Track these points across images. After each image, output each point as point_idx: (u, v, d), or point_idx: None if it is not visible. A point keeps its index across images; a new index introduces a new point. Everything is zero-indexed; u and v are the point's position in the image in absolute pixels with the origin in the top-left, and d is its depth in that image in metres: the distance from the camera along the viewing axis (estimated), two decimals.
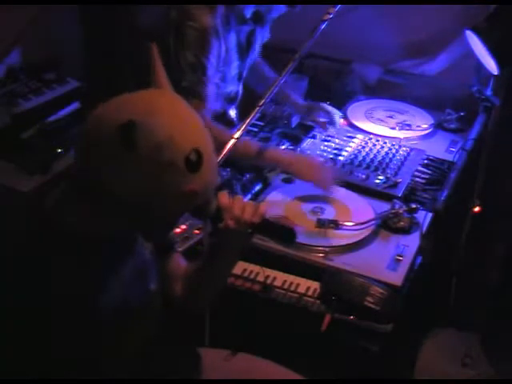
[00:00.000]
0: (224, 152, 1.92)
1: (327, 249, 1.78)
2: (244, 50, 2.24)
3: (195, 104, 1.99)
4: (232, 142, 1.85)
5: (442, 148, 2.38)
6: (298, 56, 2.02)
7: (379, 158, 2.25)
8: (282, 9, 2.13)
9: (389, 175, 2.12)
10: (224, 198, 1.39)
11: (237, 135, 1.87)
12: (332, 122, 2.40)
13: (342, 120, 2.51)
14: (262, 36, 2.30)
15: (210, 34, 2.04)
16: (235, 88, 2.31)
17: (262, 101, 1.93)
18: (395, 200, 1.95)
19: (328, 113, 2.40)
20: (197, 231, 1.82)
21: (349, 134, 2.41)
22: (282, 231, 1.45)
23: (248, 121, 1.90)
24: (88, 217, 1.22)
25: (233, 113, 2.38)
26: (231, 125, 2.31)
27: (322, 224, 1.85)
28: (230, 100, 2.33)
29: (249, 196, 2.03)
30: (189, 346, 1.69)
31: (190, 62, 2.05)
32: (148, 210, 1.20)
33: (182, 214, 1.30)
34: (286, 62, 2.04)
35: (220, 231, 1.40)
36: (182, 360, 1.64)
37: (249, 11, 2.13)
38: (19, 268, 1.22)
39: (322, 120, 2.41)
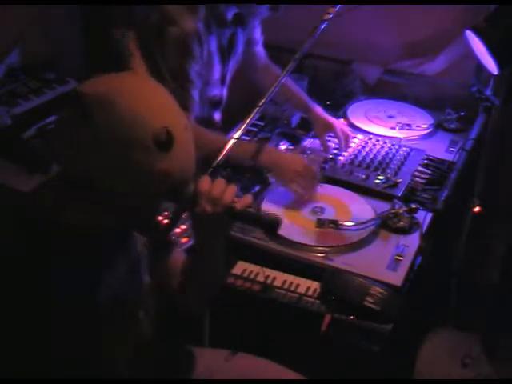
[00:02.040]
0: (224, 152, 1.93)
1: (327, 249, 1.78)
2: (226, 53, 2.21)
3: None
4: (232, 142, 1.85)
5: (442, 148, 2.38)
6: (298, 56, 2.02)
7: (379, 157, 2.25)
8: (264, 13, 2.10)
9: (389, 175, 2.12)
10: (204, 181, 1.32)
11: (237, 135, 1.87)
12: (342, 147, 2.28)
13: (342, 120, 2.51)
14: (244, 37, 2.28)
15: (193, 39, 2.02)
16: (219, 92, 2.29)
17: (262, 101, 1.93)
18: (395, 200, 1.95)
19: (344, 133, 2.30)
20: None
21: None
22: (265, 219, 1.37)
23: (248, 121, 1.90)
24: (80, 213, 1.23)
25: (218, 117, 2.37)
26: (217, 129, 2.30)
27: (322, 224, 1.85)
28: (215, 104, 2.32)
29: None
30: (186, 345, 1.69)
31: (171, 69, 2.03)
32: (123, 195, 1.19)
33: (159, 198, 1.26)
34: (286, 61, 2.04)
35: (196, 217, 1.34)
36: (179, 359, 1.64)
37: (230, 14, 2.10)
38: (18, 268, 1.22)
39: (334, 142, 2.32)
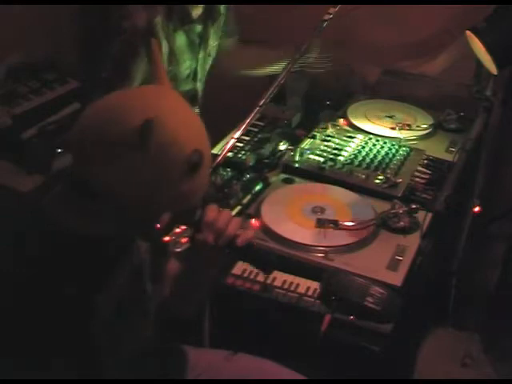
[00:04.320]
0: (223, 153, 1.93)
1: (327, 249, 1.78)
2: (196, 48, 2.20)
3: None
4: (232, 142, 1.86)
5: (442, 148, 2.38)
6: (298, 56, 2.02)
7: (379, 157, 2.25)
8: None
9: (389, 175, 2.11)
10: (211, 210, 1.34)
11: (237, 135, 1.87)
12: None
13: (342, 120, 2.51)
14: (217, 31, 2.27)
15: (143, 36, 1.99)
16: (191, 87, 2.28)
17: (262, 101, 1.94)
18: (395, 200, 1.95)
19: None
20: None
21: (349, 134, 2.41)
22: (262, 261, 1.41)
23: (248, 121, 1.90)
24: (85, 217, 1.22)
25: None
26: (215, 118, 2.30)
27: (322, 224, 1.85)
28: (189, 100, 2.32)
29: (249, 196, 2.03)
30: (185, 346, 1.69)
31: (117, 66, 2.03)
32: (143, 209, 1.19)
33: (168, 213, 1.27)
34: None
35: (196, 244, 1.36)
36: (179, 359, 1.64)
37: (197, 11, 2.09)
38: (18, 268, 1.22)
39: None
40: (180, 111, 1.20)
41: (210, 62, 2.31)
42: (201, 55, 2.23)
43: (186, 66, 2.18)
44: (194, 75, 2.25)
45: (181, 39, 2.12)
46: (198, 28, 2.15)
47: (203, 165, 1.19)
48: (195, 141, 1.18)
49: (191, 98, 2.30)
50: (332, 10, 2.06)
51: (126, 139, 1.11)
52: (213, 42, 2.27)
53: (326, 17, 2.05)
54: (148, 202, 1.18)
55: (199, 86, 2.30)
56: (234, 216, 1.37)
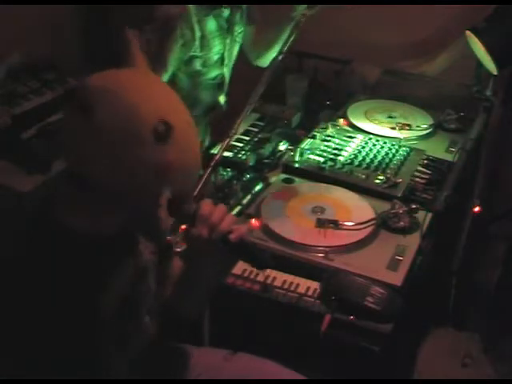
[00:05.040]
0: (222, 151, 1.94)
1: (327, 249, 1.78)
2: (225, 34, 2.25)
3: None
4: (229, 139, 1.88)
5: (442, 148, 2.38)
6: (282, 55, 2.05)
7: (379, 157, 2.25)
8: None
9: (389, 175, 2.11)
10: (206, 205, 1.33)
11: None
12: None
13: (342, 120, 2.51)
14: (243, 18, 2.31)
15: (178, 22, 2.06)
16: (219, 72, 2.31)
17: (253, 99, 1.97)
18: (395, 200, 1.95)
19: None
20: None
21: (349, 134, 2.41)
22: (256, 257, 1.39)
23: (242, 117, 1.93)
24: (86, 215, 1.22)
25: (222, 100, 2.40)
26: (222, 114, 2.33)
27: (322, 224, 1.85)
28: (218, 86, 2.35)
29: (249, 196, 2.03)
30: (185, 345, 1.69)
31: (150, 43, 2.07)
32: (123, 193, 1.18)
33: (159, 198, 1.24)
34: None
35: (190, 237, 1.35)
36: (179, 359, 1.64)
37: None
38: (19, 268, 1.22)
39: None
40: (143, 86, 1.20)
41: (236, 48, 2.35)
42: (228, 40, 2.28)
43: (215, 51, 2.23)
44: (221, 61, 2.29)
45: (211, 24, 2.17)
46: (226, 13, 2.21)
47: (176, 134, 1.17)
48: (160, 111, 1.16)
49: (219, 83, 2.34)
50: (307, 12, 2.10)
51: (78, 114, 1.14)
52: (239, 28, 2.31)
53: (300, 19, 2.10)
54: (122, 180, 1.16)
55: (226, 71, 2.34)
56: (229, 212, 1.37)
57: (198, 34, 2.13)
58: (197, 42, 2.15)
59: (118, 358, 1.31)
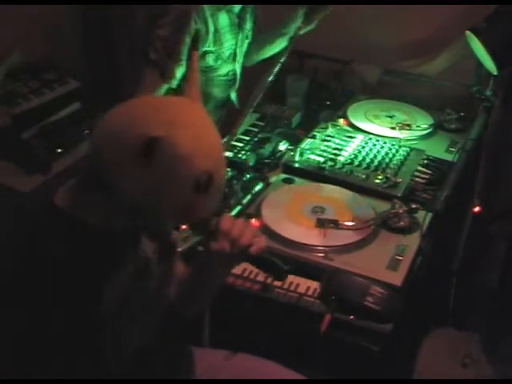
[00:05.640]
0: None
1: (327, 249, 1.78)
2: (236, 29, 2.27)
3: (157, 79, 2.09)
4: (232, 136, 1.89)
5: (442, 148, 2.38)
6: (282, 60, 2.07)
7: (379, 157, 2.25)
8: None
9: (389, 175, 2.12)
10: (227, 220, 1.37)
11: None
12: None
13: (342, 120, 2.51)
14: (252, 14, 2.33)
15: (192, 16, 2.08)
16: (231, 68, 2.33)
17: (254, 101, 1.98)
18: (395, 200, 1.95)
19: None
20: None
21: (349, 134, 2.41)
22: (274, 269, 1.44)
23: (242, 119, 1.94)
24: (98, 210, 1.23)
25: (234, 96, 2.41)
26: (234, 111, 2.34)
27: (322, 224, 1.85)
28: (230, 82, 2.36)
29: (249, 196, 2.03)
30: (186, 346, 1.69)
31: (164, 38, 2.09)
32: (149, 214, 1.22)
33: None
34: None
35: (212, 252, 1.38)
36: (179, 359, 1.64)
37: None
38: (20, 267, 1.22)
39: None
40: (197, 129, 1.22)
41: (246, 44, 2.37)
42: (240, 36, 2.30)
43: (227, 47, 2.25)
44: (233, 56, 2.31)
45: (224, 19, 2.20)
46: (237, 8, 2.23)
47: (213, 185, 1.22)
48: (207, 162, 1.20)
49: (230, 79, 2.36)
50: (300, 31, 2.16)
51: (132, 153, 1.15)
52: (248, 25, 2.33)
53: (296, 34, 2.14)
54: (154, 210, 1.21)
55: (237, 67, 2.36)
56: (248, 225, 1.41)
57: (211, 28, 2.14)
58: (210, 37, 2.16)
59: (117, 354, 1.31)
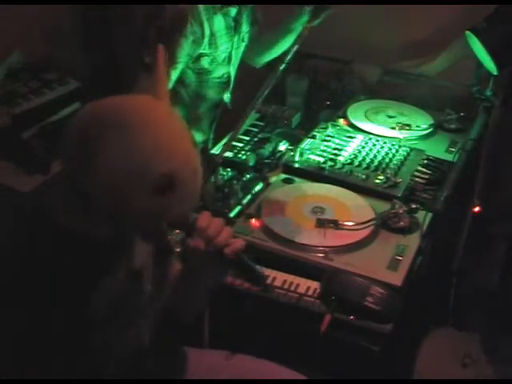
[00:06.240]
0: (223, 151, 1.94)
1: (327, 249, 1.78)
2: (232, 32, 2.25)
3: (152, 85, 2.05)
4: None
5: (441, 148, 2.38)
6: (286, 61, 2.06)
7: (379, 157, 2.25)
8: None
9: (389, 175, 2.11)
10: (204, 218, 1.34)
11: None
12: None
13: (342, 120, 2.51)
14: (248, 16, 2.32)
15: (188, 18, 2.06)
16: (226, 70, 2.32)
17: (257, 102, 1.97)
18: (395, 200, 1.95)
19: None
20: None
21: (349, 134, 2.41)
22: (251, 274, 1.43)
23: (243, 120, 1.93)
24: (84, 217, 1.23)
25: (227, 98, 2.40)
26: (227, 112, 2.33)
27: (322, 224, 1.85)
28: (223, 84, 2.35)
29: (249, 196, 2.03)
30: (185, 346, 1.69)
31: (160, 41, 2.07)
32: (121, 215, 1.21)
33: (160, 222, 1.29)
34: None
35: (187, 249, 1.37)
36: (179, 359, 1.64)
37: None
38: (19, 267, 1.22)
39: None
40: (160, 129, 1.18)
41: (242, 47, 2.36)
42: (235, 39, 2.29)
43: (223, 50, 2.24)
44: (228, 59, 2.30)
45: (219, 22, 2.18)
46: (233, 12, 2.21)
47: (178, 187, 1.18)
48: (169, 164, 1.16)
49: (225, 82, 2.35)
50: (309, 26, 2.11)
51: (81, 156, 1.16)
52: (245, 28, 2.32)
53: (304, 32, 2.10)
54: (123, 214, 1.20)
55: (232, 70, 2.35)
56: (226, 225, 1.37)
57: (207, 31, 2.13)
58: (206, 40, 2.15)
59: (108, 356, 1.31)
